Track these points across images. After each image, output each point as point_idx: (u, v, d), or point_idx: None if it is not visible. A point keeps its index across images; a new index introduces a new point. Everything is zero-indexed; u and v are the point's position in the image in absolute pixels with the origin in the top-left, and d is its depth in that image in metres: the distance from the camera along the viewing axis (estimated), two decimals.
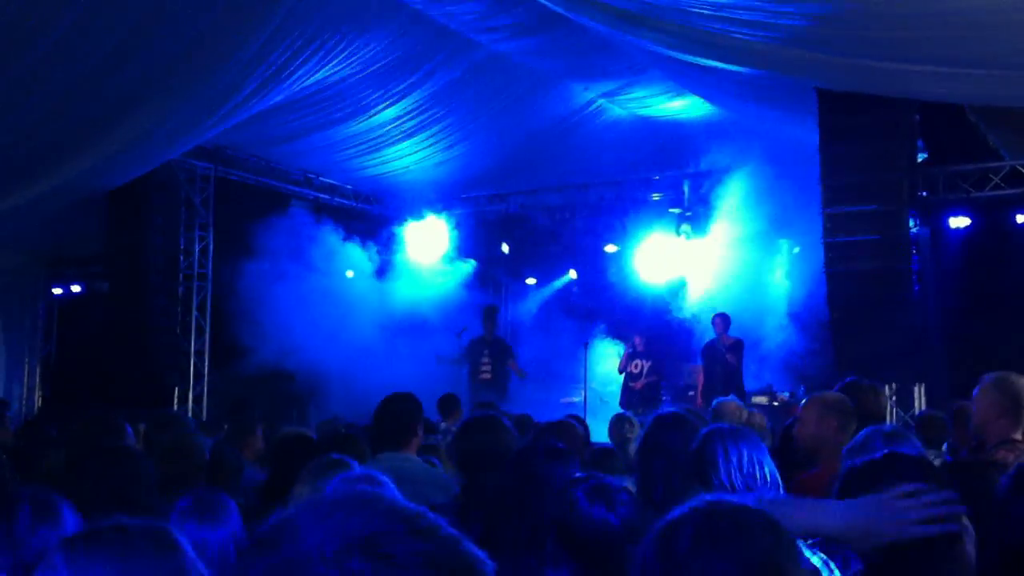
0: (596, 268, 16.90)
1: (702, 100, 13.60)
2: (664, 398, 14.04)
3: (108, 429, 4.58)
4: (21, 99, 9.53)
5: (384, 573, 1.00)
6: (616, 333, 15.70)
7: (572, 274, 17.53)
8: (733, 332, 13.11)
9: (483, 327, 14.96)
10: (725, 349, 12.84)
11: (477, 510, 3.43)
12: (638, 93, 13.89)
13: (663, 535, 1.56)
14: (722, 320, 13.07)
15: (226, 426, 7.88)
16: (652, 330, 15.10)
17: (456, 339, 15.14)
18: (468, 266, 17.01)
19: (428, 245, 17.09)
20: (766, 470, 3.04)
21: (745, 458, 3.02)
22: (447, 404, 9.40)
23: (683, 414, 3.80)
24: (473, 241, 17.41)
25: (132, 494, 3.34)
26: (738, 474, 2.99)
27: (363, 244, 15.91)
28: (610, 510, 2.52)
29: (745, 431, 3.22)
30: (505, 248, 17.38)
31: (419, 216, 17.07)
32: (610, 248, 16.53)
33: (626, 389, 14.19)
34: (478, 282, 17.35)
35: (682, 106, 14.09)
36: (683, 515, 1.57)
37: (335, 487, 3.02)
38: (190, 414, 12.68)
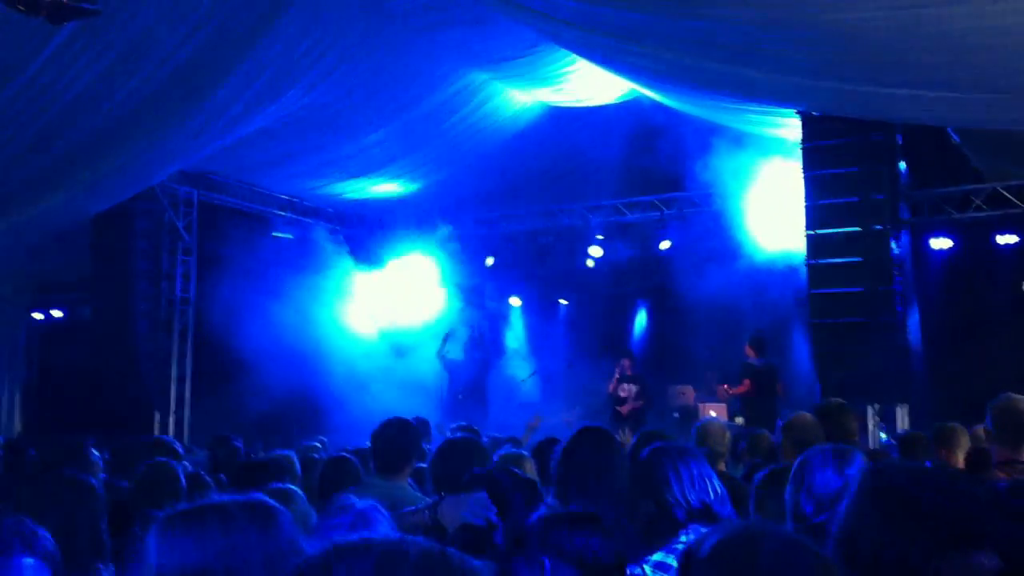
0: (581, 288, 16.95)
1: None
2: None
3: (73, 455, 4.52)
4: (7, 126, 9.49)
5: None
6: (602, 353, 15.68)
7: (563, 302, 17.54)
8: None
9: (464, 349, 15.00)
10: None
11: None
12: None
13: (736, 551, 1.62)
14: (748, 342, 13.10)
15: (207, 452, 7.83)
16: (640, 352, 15.12)
17: (437, 360, 15.12)
18: (452, 291, 17.03)
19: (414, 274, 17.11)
20: (715, 483, 3.11)
21: (695, 474, 3.08)
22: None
23: (665, 433, 3.86)
24: (458, 263, 17.40)
25: (78, 524, 3.28)
26: (691, 490, 3.05)
27: (347, 267, 15.87)
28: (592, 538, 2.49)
29: (690, 449, 3.30)
30: (489, 261, 17.34)
31: (402, 252, 17.07)
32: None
33: (614, 412, 14.19)
34: (464, 304, 17.35)
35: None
36: (755, 534, 1.64)
37: (333, 525, 2.95)
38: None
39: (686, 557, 1.70)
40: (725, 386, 13.35)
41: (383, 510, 2.96)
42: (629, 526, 3.18)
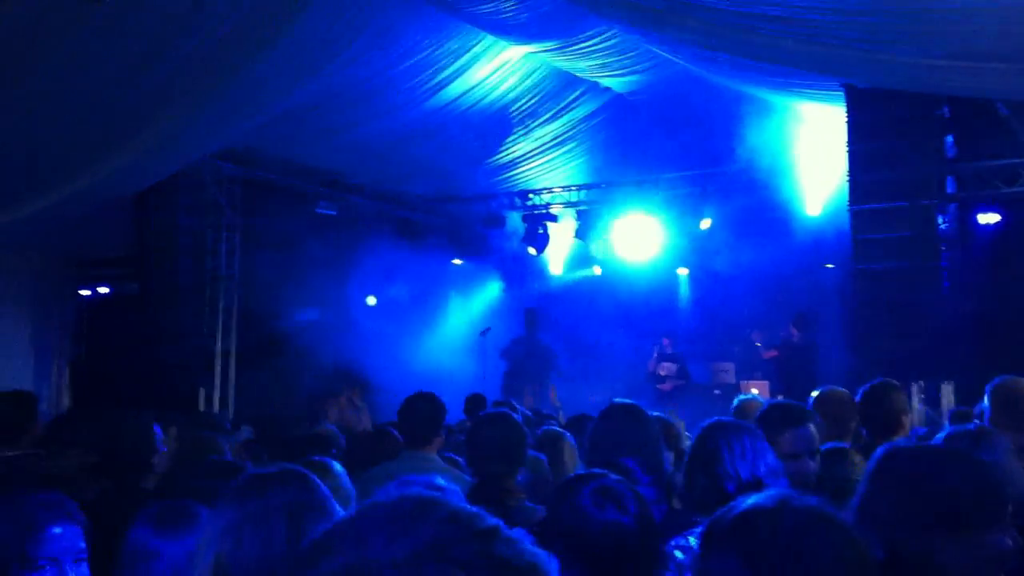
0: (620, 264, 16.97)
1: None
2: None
3: (138, 431, 4.56)
4: (49, 101, 9.59)
5: None
6: (642, 332, 15.64)
7: (596, 270, 17.52)
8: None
9: (525, 329, 15.08)
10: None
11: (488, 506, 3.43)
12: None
13: (757, 523, 1.60)
14: (792, 320, 13.03)
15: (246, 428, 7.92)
16: (682, 330, 15.10)
17: (481, 338, 15.17)
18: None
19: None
20: (768, 458, 3.14)
21: (747, 448, 3.12)
22: (473, 404, 9.39)
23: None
24: (500, 240, 17.46)
25: None
26: (742, 463, 3.08)
27: (388, 243, 15.91)
28: (620, 511, 2.49)
29: (745, 425, 3.33)
30: (532, 251, 17.31)
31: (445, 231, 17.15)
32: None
33: (655, 390, 14.21)
34: (507, 284, 17.47)
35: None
36: (778, 506, 1.62)
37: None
38: None
39: (710, 526, 1.69)
40: (758, 342, 13.36)
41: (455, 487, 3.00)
42: (659, 498, 3.21)
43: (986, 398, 4.41)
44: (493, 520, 1.08)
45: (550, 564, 1.07)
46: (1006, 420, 4.47)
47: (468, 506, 1.10)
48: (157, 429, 4.81)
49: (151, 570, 2.37)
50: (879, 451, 2.32)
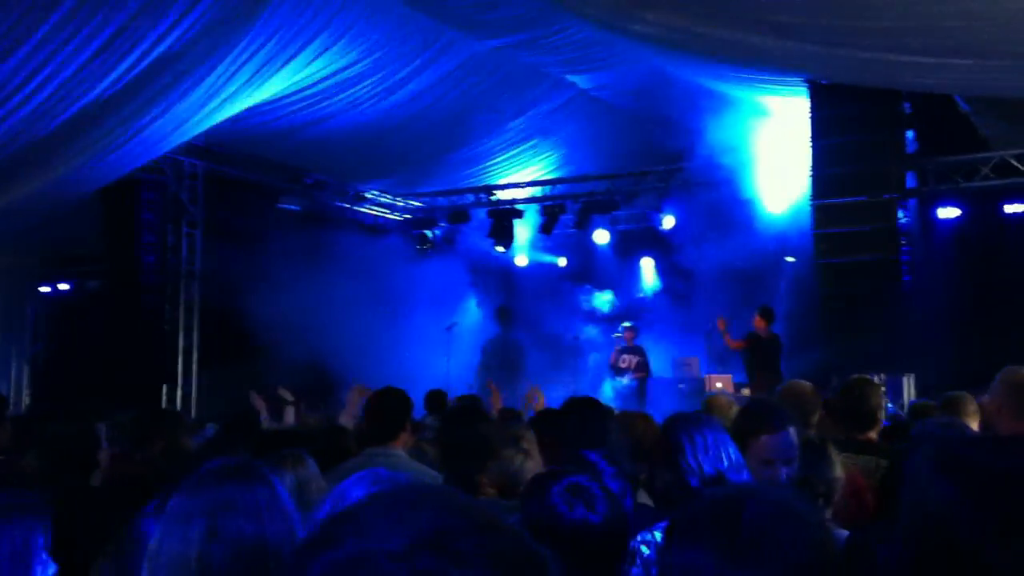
0: (586, 258, 17.01)
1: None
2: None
3: (80, 429, 4.50)
4: (8, 98, 9.46)
5: (453, 570, 0.98)
6: (607, 325, 15.69)
7: (561, 262, 17.60)
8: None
9: (497, 325, 15.08)
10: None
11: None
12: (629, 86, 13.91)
13: (720, 514, 1.58)
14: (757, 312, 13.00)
15: (211, 426, 7.86)
16: (643, 325, 15.16)
17: (447, 333, 15.15)
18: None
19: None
20: (730, 451, 3.12)
21: (710, 441, 3.09)
22: (433, 400, 9.34)
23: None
24: (464, 235, 17.46)
25: None
26: (704, 456, 3.06)
27: (353, 239, 15.83)
28: (590, 510, 2.48)
29: (707, 418, 3.31)
30: (500, 249, 17.28)
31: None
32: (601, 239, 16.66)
33: (615, 383, 14.23)
34: (470, 273, 17.45)
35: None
36: (741, 497, 1.60)
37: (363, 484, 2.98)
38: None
39: (675, 521, 1.67)
40: (723, 324, 13.37)
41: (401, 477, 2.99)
42: (623, 491, 3.20)
43: (996, 386, 4.31)
44: (492, 512, 1.07)
45: (548, 558, 1.06)
46: (1015, 409, 4.42)
47: (468, 498, 1.09)
48: (101, 429, 4.79)
49: (140, 549, 2.40)
50: (929, 444, 2.20)
